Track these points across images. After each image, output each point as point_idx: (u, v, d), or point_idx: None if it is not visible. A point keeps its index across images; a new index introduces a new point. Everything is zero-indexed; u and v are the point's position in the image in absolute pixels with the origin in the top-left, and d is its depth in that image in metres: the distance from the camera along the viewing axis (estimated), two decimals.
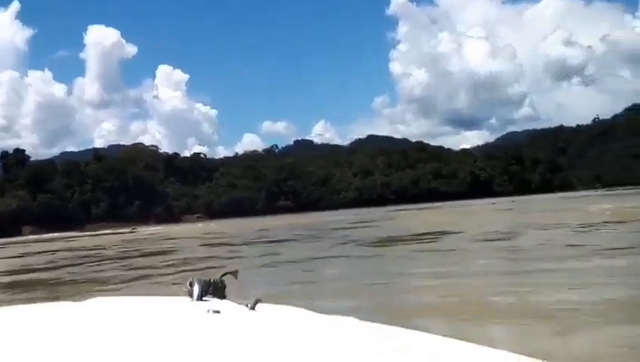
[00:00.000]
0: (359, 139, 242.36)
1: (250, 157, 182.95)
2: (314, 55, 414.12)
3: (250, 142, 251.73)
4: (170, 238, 55.71)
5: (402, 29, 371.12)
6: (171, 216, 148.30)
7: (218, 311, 1.74)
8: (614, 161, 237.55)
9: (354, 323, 1.45)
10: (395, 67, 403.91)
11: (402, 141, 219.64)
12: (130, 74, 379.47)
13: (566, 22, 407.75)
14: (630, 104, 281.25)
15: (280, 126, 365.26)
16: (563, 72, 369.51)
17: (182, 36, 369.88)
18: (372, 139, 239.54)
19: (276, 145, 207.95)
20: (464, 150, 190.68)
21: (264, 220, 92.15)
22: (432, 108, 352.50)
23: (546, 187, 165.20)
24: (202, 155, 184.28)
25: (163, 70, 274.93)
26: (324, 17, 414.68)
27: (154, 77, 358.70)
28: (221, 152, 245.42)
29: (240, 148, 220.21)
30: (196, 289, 2.38)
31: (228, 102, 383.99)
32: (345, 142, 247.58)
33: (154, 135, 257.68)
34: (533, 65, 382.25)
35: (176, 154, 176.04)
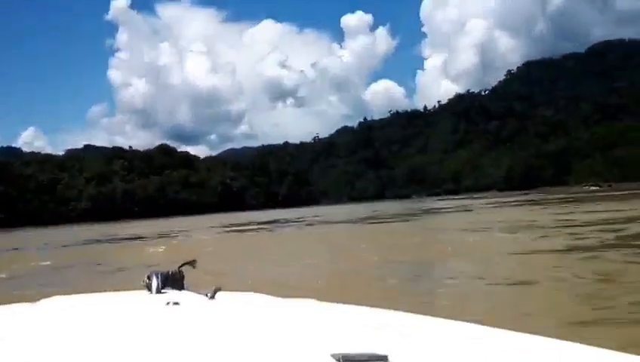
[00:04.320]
0: (75, 149, 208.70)
1: None
2: (22, 56, 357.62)
3: None
4: None
5: (122, 37, 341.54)
6: None
7: (177, 303, 1.24)
8: (339, 176, 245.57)
9: (315, 304, 1.28)
10: (114, 75, 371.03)
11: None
12: None
13: (282, 45, 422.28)
14: (341, 126, 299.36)
15: None
16: (278, 93, 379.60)
17: None
18: (89, 149, 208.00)
19: None
20: (212, 157, 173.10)
21: None
22: (152, 121, 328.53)
23: (294, 200, 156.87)
24: None
25: None
26: (34, 18, 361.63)
27: None
28: None
29: None
30: (155, 281, 1.56)
31: None
32: (58, 151, 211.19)
33: None
34: (252, 84, 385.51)
35: None
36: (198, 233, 29.13)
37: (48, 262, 17.14)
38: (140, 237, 28.47)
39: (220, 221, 48.53)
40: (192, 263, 2.05)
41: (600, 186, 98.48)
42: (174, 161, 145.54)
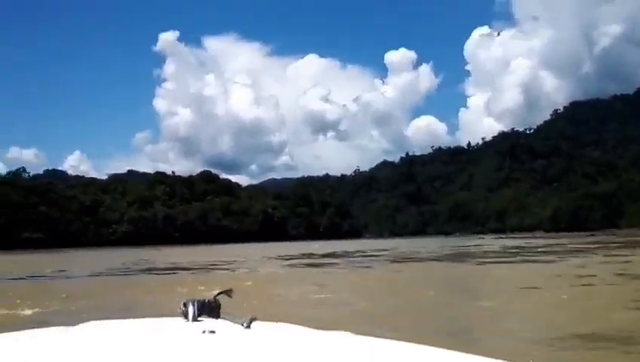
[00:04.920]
0: (118, 173, 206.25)
1: None
2: (72, 82, 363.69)
3: None
4: None
5: (169, 67, 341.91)
6: None
7: (213, 331, 1.30)
8: (379, 211, 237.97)
9: (349, 337, 1.32)
10: (160, 104, 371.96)
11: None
12: None
13: (325, 80, 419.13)
14: (381, 160, 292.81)
15: (29, 153, 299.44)
16: (320, 126, 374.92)
17: None
18: (132, 174, 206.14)
19: (24, 168, 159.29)
20: (254, 186, 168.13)
21: None
22: (195, 149, 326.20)
23: (335, 232, 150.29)
24: None
25: None
26: (85, 46, 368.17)
27: None
28: None
29: None
30: (191, 309, 1.63)
31: None
32: (102, 176, 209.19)
33: None
34: (294, 116, 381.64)
35: None
36: (259, 265, 22.96)
37: (57, 308, 11.31)
38: (185, 269, 22.50)
39: (272, 251, 42.40)
40: (228, 292, 2.12)
41: None
42: (216, 188, 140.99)
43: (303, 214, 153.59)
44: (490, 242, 53.49)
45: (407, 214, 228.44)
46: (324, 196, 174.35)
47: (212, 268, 21.70)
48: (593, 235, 79.03)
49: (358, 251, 37.65)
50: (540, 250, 32.83)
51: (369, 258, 28.23)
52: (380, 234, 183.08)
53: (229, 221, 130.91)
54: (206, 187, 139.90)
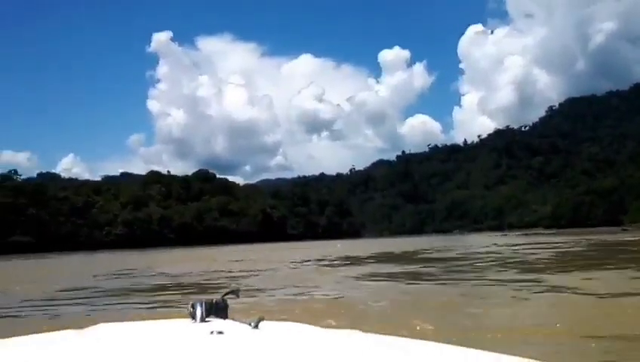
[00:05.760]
0: (111, 176, 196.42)
1: None
2: (64, 85, 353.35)
3: None
4: None
5: (163, 68, 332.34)
6: None
7: (221, 332, 1.28)
8: (376, 209, 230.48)
9: (359, 335, 1.31)
10: (154, 106, 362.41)
11: None
12: None
13: (319, 79, 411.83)
14: (376, 159, 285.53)
15: (22, 157, 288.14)
16: (314, 126, 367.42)
17: None
18: (126, 177, 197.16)
19: (15, 170, 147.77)
20: (251, 185, 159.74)
21: None
22: (189, 150, 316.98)
23: (334, 231, 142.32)
24: None
25: None
26: (77, 48, 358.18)
27: None
28: None
29: None
30: (199, 310, 1.62)
31: None
32: (96, 178, 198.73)
33: None
34: (288, 116, 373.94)
35: None
36: (317, 281, 13.49)
37: None
38: (195, 289, 13.74)
39: (293, 254, 34.40)
40: (235, 292, 2.22)
41: None
42: (213, 188, 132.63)
43: (302, 213, 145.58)
44: (532, 240, 44.54)
45: (404, 213, 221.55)
46: (322, 195, 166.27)
47: (241, 288, 13.36)
48: (626, 230, 71.55)
49: (408, 253, 29.26)
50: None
51: (451, 263, 19.66)
52: (378, 233, 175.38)
53: (226, 221, 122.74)
54: (202, 186, 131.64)
